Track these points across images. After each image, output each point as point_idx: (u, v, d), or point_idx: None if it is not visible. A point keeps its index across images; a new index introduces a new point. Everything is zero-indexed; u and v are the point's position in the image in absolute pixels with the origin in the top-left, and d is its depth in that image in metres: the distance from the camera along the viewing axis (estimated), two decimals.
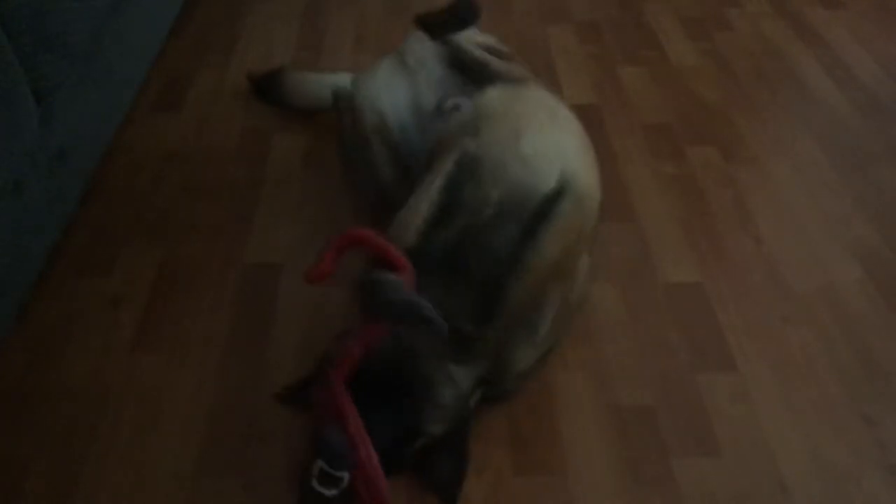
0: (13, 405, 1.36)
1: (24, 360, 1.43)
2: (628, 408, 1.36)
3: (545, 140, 1.34)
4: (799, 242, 1.68)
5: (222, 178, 1.84)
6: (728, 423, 1.34)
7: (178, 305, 1.54)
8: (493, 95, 1.44)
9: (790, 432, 1.33)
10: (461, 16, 1.61)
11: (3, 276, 1.28)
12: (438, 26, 1.63)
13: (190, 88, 2.13)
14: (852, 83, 2.16)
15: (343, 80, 1.88)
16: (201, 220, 1.72)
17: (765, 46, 2.33)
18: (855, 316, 1.52)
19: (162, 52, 2.13)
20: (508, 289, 1.20)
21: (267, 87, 2.06)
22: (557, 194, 1.27)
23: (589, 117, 2.00)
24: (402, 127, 1.58)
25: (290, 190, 1.81)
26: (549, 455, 1.30)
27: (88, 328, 1.49)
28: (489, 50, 1.62)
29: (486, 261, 1.22)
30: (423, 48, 1.67)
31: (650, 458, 1.29)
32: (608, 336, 1.48)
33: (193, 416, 1.35)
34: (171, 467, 1.27)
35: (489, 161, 1.30)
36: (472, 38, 1.63)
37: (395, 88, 1.63)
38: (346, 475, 1.05)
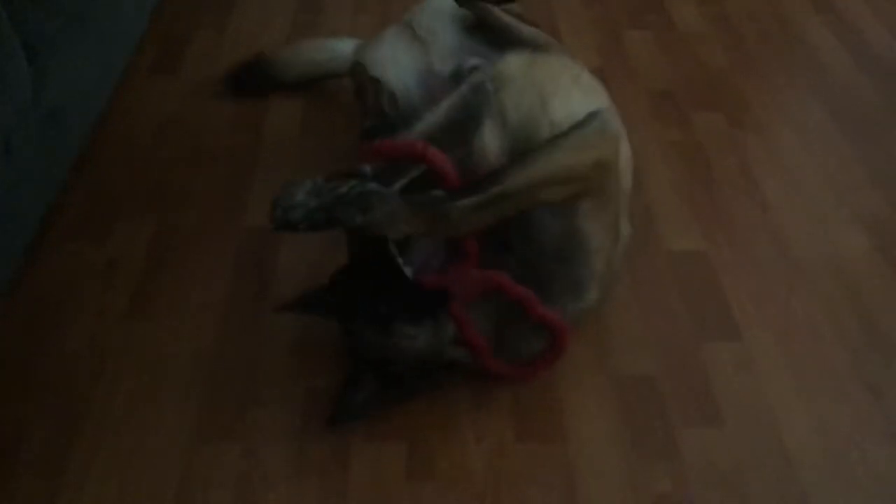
0: (9, 370, 1.34)
1: (19, 326, 1.41)
2: (631, 376, 1.35)
3: (574, 105, 1.30)
4: (805, 210, 1.66)
5: (220, 143, 1.81)
6: (732, 393, 1.33)
7: (176, 271, 1.52)
8: (515, 60, 1.40)
9: (794, 402, 1.32)
10: None
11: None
12: None
13: (187, 50, 2.08)
14: (863, 49, 2.12)
15: (344, 46, 1.83)
16: (199, 184, 1.70)
17: (773, 11, 2.28)
18: (861, 285, 1.50)
19: (158, 13, 2.09)
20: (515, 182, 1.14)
21: (253, 79, 1.93)
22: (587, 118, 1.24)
23: None
24: (410, 102, 1.54)
25: (289, 154, 1.78)
26: (551, 423, 1.28)
27: (84, 294, 1.47)
28: (514, 16, 1.58)
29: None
30: (434, 17, 1.62)
31: (652, 427, 1.28)
32: (611, 304, 1.46)
33: (191, 381, 1.34)
34: (169, 433, 1.26)
35: (516, 127, 1.27)
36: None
37: (403, 60, 1.59)
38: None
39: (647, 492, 1.20)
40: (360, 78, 1.67)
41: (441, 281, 1.18)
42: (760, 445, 1.26)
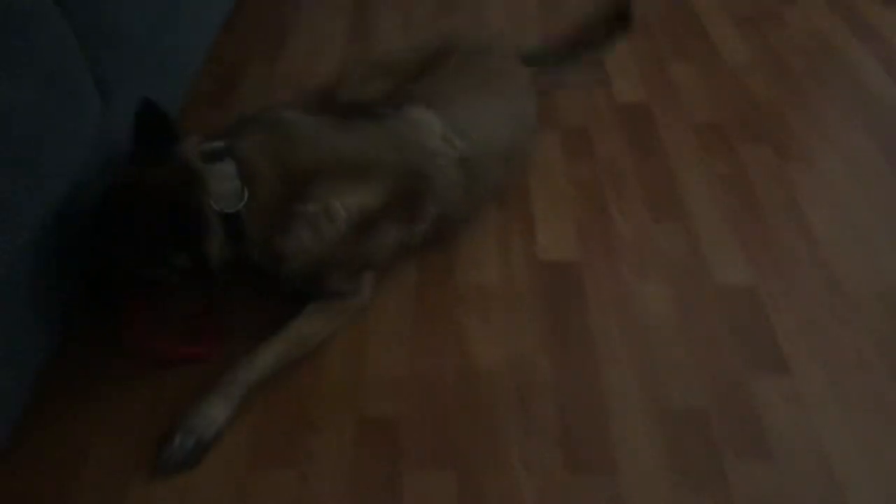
0: (73, 393, 1.39)
1: (84, 350, 1.46)
2: (680, 409, 1.36)
3: None
4: (854, 243, 1.65)
5: None
6: (781, 426, 1.33)
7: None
8: None
9: (844, 436, 1.31)
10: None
11: (63, 266, 1.31)
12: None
13: (239, 83, 2.15)
14: None
15: None
16: None
17: (819, 43, 2.29)
18: None
19: (214, 46, 2.16)
20: None
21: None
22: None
23: (639, 114, 2.01)
24: None
25: None
26: (600, 454, 1.30)
27: None
28: None
29: None
30: None
31: (701, 460, 1.29)
32: (660, 335, 1.47)
33: (245, 407, 1.37)
34: (225, 458, 1.30)
35: None
36: None
37: None
38: None
39: None
40: None
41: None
42: (810, 479, 1.26)
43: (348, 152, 1.42)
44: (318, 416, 1.35)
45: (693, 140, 1.93)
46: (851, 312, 1.51)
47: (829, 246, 1.64)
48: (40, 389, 1.34)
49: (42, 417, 1.34)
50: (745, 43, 2.28)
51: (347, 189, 1.40)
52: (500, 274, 1.61)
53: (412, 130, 1.49)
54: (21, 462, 1.28)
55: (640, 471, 1.27)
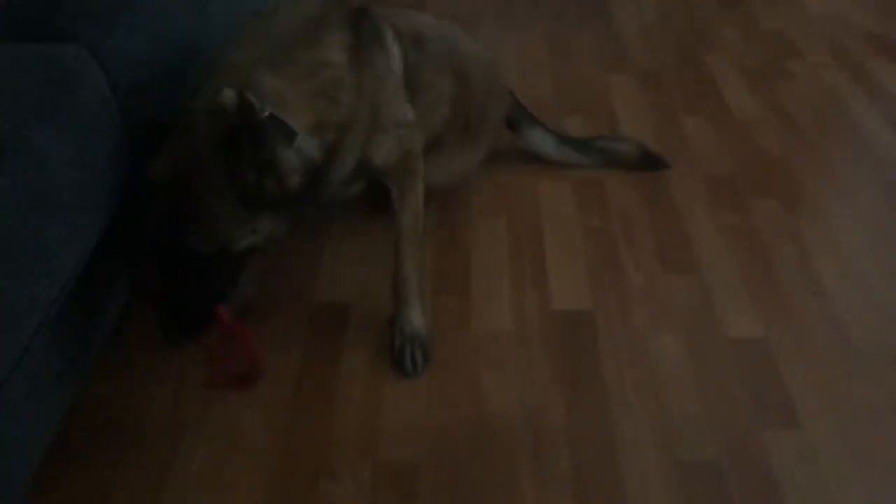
0: (95, 436, 1.42)
1: (108, 392, 1.49)
2: (692, 461, 1.37)
3: None
4: (864, 298, 1.68)
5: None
6: (793, 481, 1.34)
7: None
8: None
9: (857, 492, 1.32)
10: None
11: (95, 308, 1.34)
12: None
13: None
14: None
15: None
16: (272, 258, 1.78)
17: (827, 98, 2.34)
18: None
19: None
20: None
21: None
22: None
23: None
24: None
25: (357, 229, 1.86)
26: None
27: (165, 366, 1.54)
28: None
29: None
30: None
31: None
32: (672, 386, 1.49)
33: (264, 451, 1.39)
34: (244, 502, 1.31)
35: None
36: None
37: None
38: None
39: None
40: None
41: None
42: None
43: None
44: (336, 463, 1.37)
45: (703, 192, 1.97)
46: (863, 367, 1.53)
47: (839, 300, 1.67)
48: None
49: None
50: (754, 97, 2.33)
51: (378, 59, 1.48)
52: (513, 322, 1.64)
53: None
54: None
55: None
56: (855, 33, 2.67)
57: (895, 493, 1.32)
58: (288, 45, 1.36)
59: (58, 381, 1.24)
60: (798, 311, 1.65)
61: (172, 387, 1.50)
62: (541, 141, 2.03)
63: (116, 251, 1.37)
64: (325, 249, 1.82)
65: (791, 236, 1.83)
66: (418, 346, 1.54)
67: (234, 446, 1.40)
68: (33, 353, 1.12)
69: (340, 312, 1.66)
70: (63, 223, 1.15)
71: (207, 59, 1.39)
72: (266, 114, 1.21)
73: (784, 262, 1.76)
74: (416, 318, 1.57)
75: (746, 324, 1.62)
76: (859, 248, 1.80)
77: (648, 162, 2.03)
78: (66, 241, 1.15)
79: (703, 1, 2.91)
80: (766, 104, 2.31)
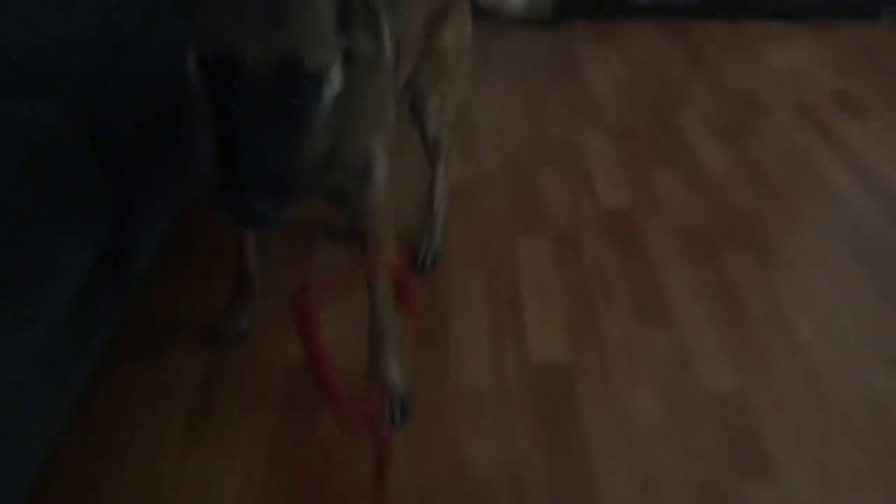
0: (70, 493, 1.38)
1: (81, 449, 1.45)
2: None
3: None
4: (838, 350, 1.70)
5: (273, 277, 1.88)
6: None
7: (226, 401, 1.57)
8: None
9: None
10: None
11: (67, 364, 1.32)
12: None
13: None
14: (881, 190, 2.22)
15: None
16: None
17: (793, 153, 2.40)
18: None
19: None
20: None
21: None
22: None
23: (625, 220, 2.08)
24: None
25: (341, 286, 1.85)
26: None
27: (142, 418, 1.52)
28: None
29: None
30: None
31: None
32: (651, 441, 1.49)
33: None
34: None
35: None
36: None
37: None
38: None
39: None
40: None
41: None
42: None
43: None
44: None
45: (677, 245, 1.99)
46: (840, 421, 1.54)
47: (814, 352, 1.69)
48: None
49: None
50: (723, 152, 2.39)
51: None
52: (492, 377, 1.63)
53: None
54: None
55: None
56: (819, 90, 2.75)
57: None
58: None
59: (28, 442, 1.21)
60: (774, 364, 1.67)
61: (149, 439, 1.48)
62: None
63: (91, 307, 1.36)
64: None
65: (764, 288, 1.86)
66: (397, 401, 1.53)
67: (208, 503, 1.38)
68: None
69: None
70: (41, 281, 1.13)
71: None
72: None
73: (758, 314, 1.79)
74: (393, 369, 1.56)
75: (722, 376, 1.63)
76: (832, 301, 1.83)
77: None
78: (41, 290, 1.14)
79: (672, 59, 3.00)
80: (735, 159, 2.36)
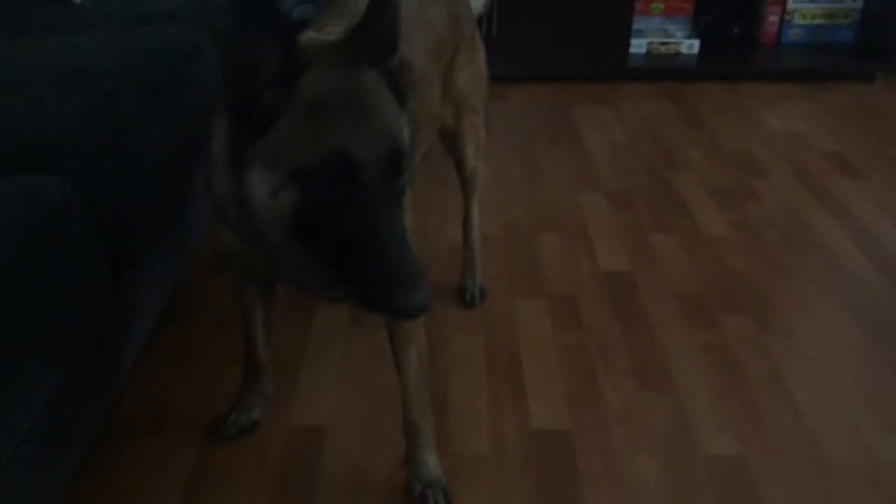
0: None
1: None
2: None
3: None
4: (839, 416, 1.69)
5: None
6: None
7: (223, 469, 1.57)
8: None
9: None
10: None
11: (57, 456, 1.32)
12: None
13: None
14: (879, 253, 2.23)
15: None
16: None
17: (792, 216, 2.42)
18: None
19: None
20: None
21: None
22: None
23: (623, 284, 2.09)
24: None
25: (335, 350, 1.86)
26: None
27: (140, 489, 1.51)
28: None
29: None
30: None
31: None
32: None
33: None
34: None
35: None
36: None
37: None
38: None
39: None
40: None
41: None
42: None
43: None
44: None
45: (676, 310, 2.00)
46: (841, 490, 1.52)
47: (814, 418, 1.68)
48: None
49: None
50: (721, 215, 2.41)
51: None
52: (492, 444, 1.63)
53: None
54: None
55: None
56: (814, 152, 2.79)
57: None
58: None
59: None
60: (774, 430, 1.66)
61: None
62: None
63: (90, 383, 1.36)
64: (300, 370, 1.81)
65: (764, 354, 1.86)
66: (440, 490, 1.48)
67: None
68: None
69: (317, 435, 1.64)
70: (40, 356, 1.14)
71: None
72: None
73: (758, 380, 1.78)
74: (433, 462, 1.50)
75: (722, 442, 1.62)
76: (832, 366, 1.83)
77: None
78: (40, 373, 1.14)
79: (669, 123, 3.05)
80: (733, 222, 2.38)
